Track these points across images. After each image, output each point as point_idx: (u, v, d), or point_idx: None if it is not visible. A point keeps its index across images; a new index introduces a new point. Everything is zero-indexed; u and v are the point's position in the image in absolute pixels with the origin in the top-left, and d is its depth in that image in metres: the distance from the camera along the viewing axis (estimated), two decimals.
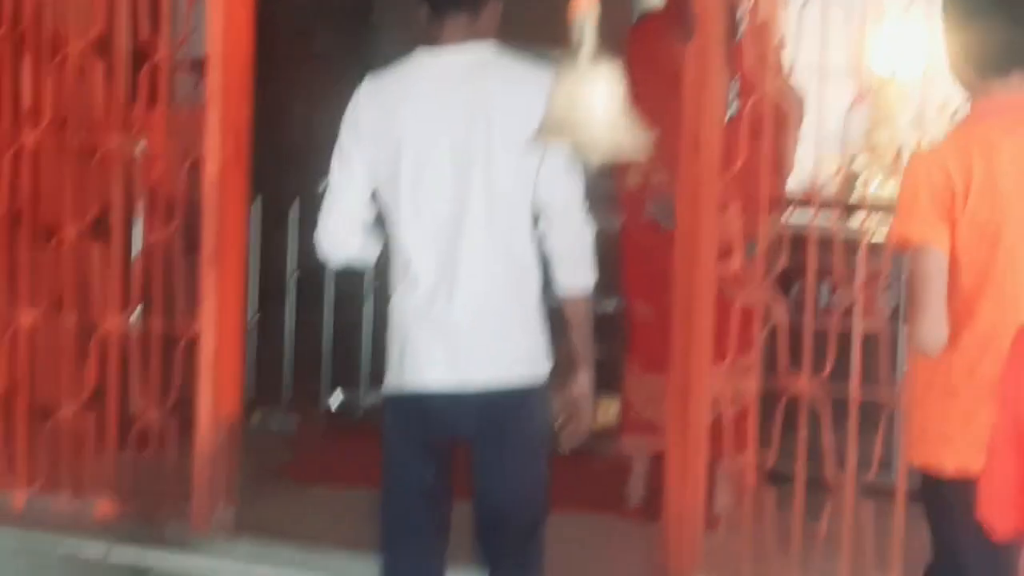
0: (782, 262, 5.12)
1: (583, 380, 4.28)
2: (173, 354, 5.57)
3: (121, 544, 5.52)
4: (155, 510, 5.61)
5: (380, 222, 4.35)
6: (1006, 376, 3.47)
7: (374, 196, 4.30)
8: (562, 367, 4.32)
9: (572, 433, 4.33)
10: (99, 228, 5.80)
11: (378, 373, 7.24)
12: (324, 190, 4.40)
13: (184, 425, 5.61)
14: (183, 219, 5.61)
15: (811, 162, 5.17)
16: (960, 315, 3.82)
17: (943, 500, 3.90)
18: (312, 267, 7.46)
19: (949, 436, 3.83)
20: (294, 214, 7.63)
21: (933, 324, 3.78)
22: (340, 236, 4.33)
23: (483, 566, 4.41)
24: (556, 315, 4.29)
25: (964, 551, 3.85)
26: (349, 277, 7.46)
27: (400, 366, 4.24)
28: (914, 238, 3.80)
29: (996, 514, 3.38)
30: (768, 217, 5.13)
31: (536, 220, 4.20)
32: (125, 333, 5.73)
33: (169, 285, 5.61)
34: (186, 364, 5.56)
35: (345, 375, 7.60)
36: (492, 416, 4.22)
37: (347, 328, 7.58)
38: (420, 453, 4.26)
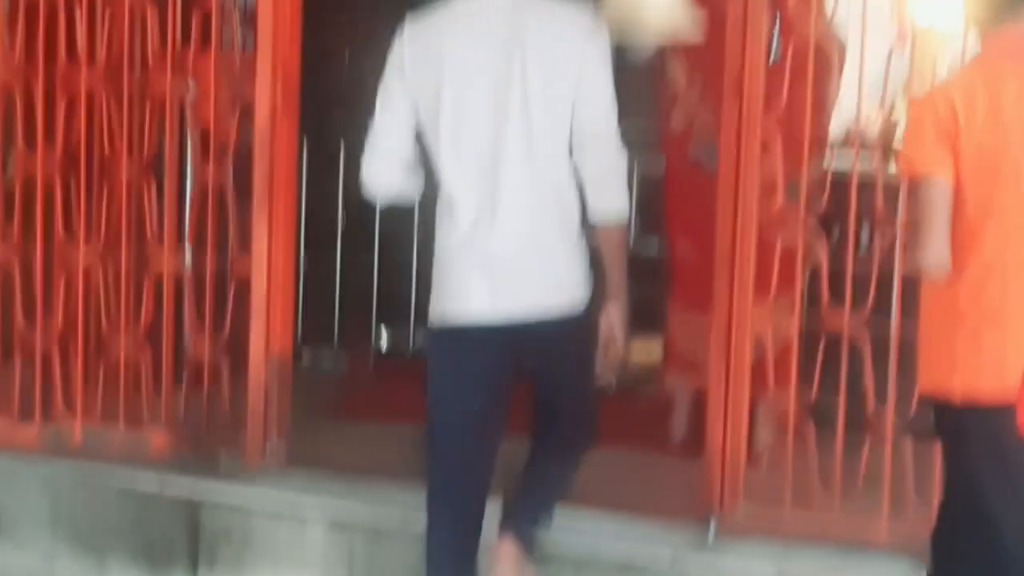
0: (823, 203, 5.12)
1: (616, 309, 4.32)
2: (226, 293, 5.60)
3: (176, 476, 5.55)
4: (209, 444, 5.64)
5: (423, 160, 4.39)
6: None
7: (417, 134, 4.34)
8: (597, 298, 4.36)
9: (607, 363, 4.35)
10: (153, 169, 5.83)
11: (425, 312, 7.40)
12: (370, 131, 4.46)
13: (237, 363, 5.63)
14: (235, 163, 5.63)
15: (852, 106, 5.15)
16: (965, 243, 3.91)
17: (954, 426, 3.97)
18: (359, 210, 7.55)
19: (956, 362, 3.92)
20: (341, 158, 7.63)
21: (936, 250, 3.88)
22: (384, 174, 4.41)
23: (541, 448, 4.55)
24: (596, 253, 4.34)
25: (979, 476, 3.94)
26: (396, 219, 7.51)
27: (444, 299, 4.29)
28: (919, 168, 3.91)
29: None
30: (810, 159, 5.11)
31: (571, 151, 4.25)
32: (179, 272, 5.77)
33: (222, 225, 5.63)
34: (239, 303, 5.58)
35: (393, 315, 7.65)
36: (538, 343, 4.28)
37: (394, 269, 7.59)
38: (467, 385, 4.31)
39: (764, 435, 5.58)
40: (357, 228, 7.66)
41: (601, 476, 5.45)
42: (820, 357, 5.00)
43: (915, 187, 3.97)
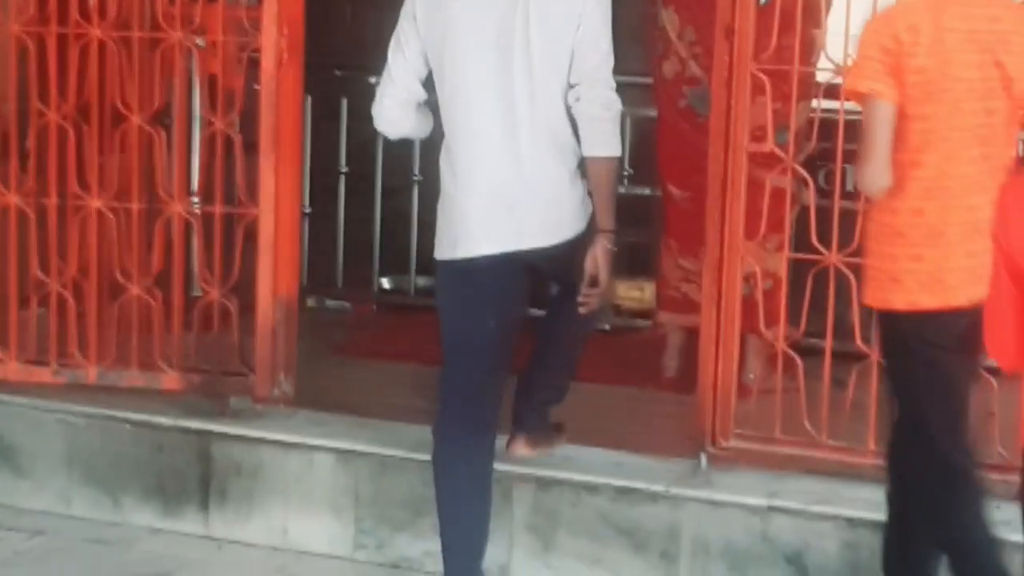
0: (812, 146, 5.17)
1: (602, 242, 4.44)
2: (234, 238, 5.62)
3: (187, 415, 5.58)
4: (219, 383, 5.67)
5: (432, 103, 4.49)
6: (997, 222, 3.63)
7: (427, 79, 4.46)
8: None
9: (593, 295, 4.45)
10: (163, 118, 5.86)
11: (424, 259, 7.44)
12: (379, 80, 4.58)
13: (245, 306, 5.66)
14: (242, 113, 5.65)
15: (840, 49, 5.19)
16: (907, 164, 4.02)
17: (896, 334, 4.11)
18: (362, 162, 7.60)
19: (898, 276, 4.06)
20: (343, 115, 7.67)
21: (878, 169, 3.99)
22: (395, 115, 4.55)
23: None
24: None
25: (916, 379, 4.10)
26: (396, 170, 7.58)
27: (452, 234, 4.40)
28: (863, 91, 4.00)
29: (997, 348, 3.51)
30: (798, 102, 5.16)
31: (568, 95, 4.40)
32: (189, 218, 5.81)
33: (230, 173, 5.66)
34: (247, 248, 5.61)
35: (394, 262, 7.68)
36: (543, 260, 4.45)
37: (395, 218, 7.63)
38: (478, 310, 4.43)
39: (754, 369, 5.67)
40: (360, 181, 7.67)
41: (597, 412, 5.57)
42: (808, 293, 5.04)
43: (864, 108, 4.05)
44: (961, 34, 4.00)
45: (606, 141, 4.43)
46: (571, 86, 4.41)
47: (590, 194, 4.48)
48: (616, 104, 4.44)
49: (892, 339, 4.18)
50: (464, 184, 4.41)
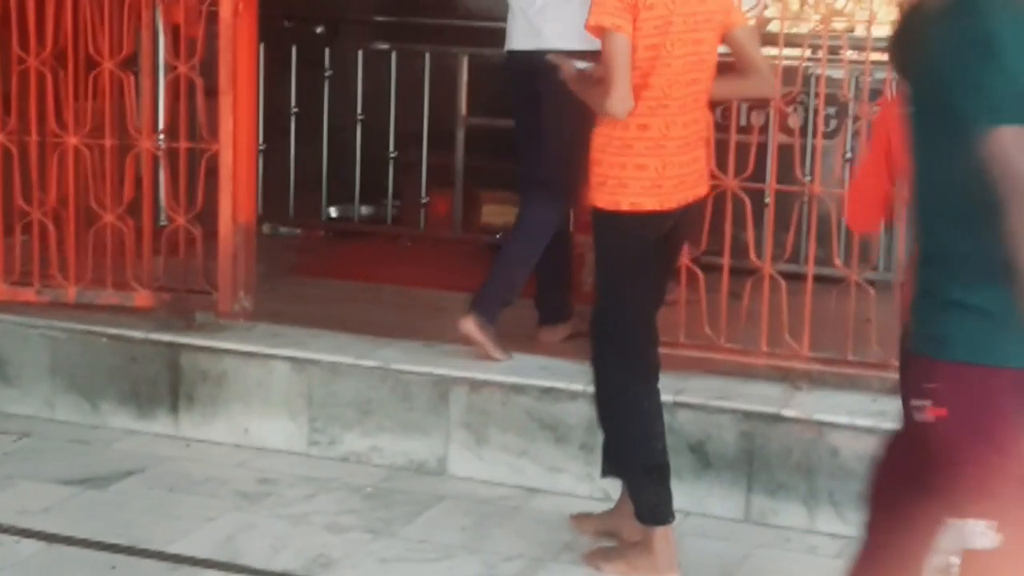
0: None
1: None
2: (198, 171, 5.60)
3: (158, 329, 5.57)
4: (186, 300, 5.67)
5: None
6: (878, 120, 3.88)
7: None
8: None
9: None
10: (131, 64, 5.83)
11: (367, 191, 7.45)
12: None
13: (208, 233, 5.65)
14: (203, 58, 5.62)
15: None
16: (637, 86, 4.17)
17: (616, 231, 4.27)
18: (310, 104, 7.54)
19: (624, 182, 4.21)
20: (293, 62, 7.61)
21: (624, 93, 4.10)
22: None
23: None
24: None
25: (624, 272, 4.31)
26: (341, 111, 7.54)
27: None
28: (607, 25, 4.10)
29: (862, 216, 3.64)
30: None
31: None
32: (156, 152, 5.80)
33: (192, 113, 5.64)
34: (209, 179, 5.58)
35: (340, 192, 7.66)
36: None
37: (341, 154, 7.58)
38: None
39: None
40: (308, 120, 7.61)
41: (529, 321, 5.57)
42: (708, 216, 5.06)
43: (604, 40, 4.11)
44: None
45: None
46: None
47: None
48: None
49: (611, 235, 4.30)
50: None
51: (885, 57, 3.68)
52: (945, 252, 2.99)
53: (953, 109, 2.88)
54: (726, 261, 5.17)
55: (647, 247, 4.30)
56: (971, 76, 2.85)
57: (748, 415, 4.86)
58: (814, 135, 5.46)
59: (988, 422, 2.94)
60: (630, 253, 4.30)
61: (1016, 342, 2.91)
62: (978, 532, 3.02)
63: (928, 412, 2.97)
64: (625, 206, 4.21)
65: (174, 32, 5.88)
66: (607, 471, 4.60)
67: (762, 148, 5.41)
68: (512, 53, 5.42)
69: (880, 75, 5.15)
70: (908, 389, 3.09)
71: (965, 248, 2.95)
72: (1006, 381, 2.94)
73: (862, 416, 4.73)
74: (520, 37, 5.38)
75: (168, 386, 5.53)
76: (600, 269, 4.39)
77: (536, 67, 5.01)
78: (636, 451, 4.38)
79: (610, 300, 4.37)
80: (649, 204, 4.22)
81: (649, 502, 4.37)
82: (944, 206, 2.99)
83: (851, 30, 5.74)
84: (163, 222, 5.99)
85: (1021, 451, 2.95)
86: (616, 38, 4.10)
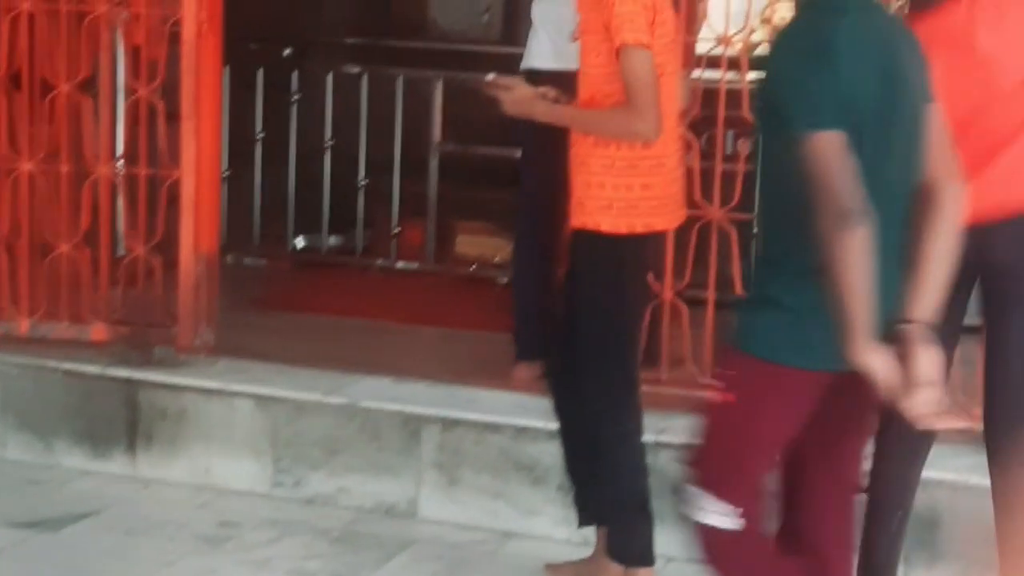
0: (695, 112, 5.16)
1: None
2: (158, 199, 5.57)
3: (115, 364, 5.52)
4: (144, 334, 5.62)
5: None
6: None
7: None
8: None
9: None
10: (89, 87, 5.80)
11: (335, 220, 7.41)
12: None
13: (168, 263, 5.62)
14: (164, 81, 5.60)
15: (720, 25, 5.23)
16: None
17: (623, 253, 4.24)
18: (276, 129, 7.53)
19: (634, 203, 4.21)
20: (259, 84, 7.60)
21: (656, 113, 4.10)
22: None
23: None
24: None
25: (622, 299, 4.29)
26: (309, 137, 7.52)
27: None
28: (645, 43, 4.09)
29: None
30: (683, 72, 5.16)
31: None
32: (114, 179, 5.76)
33: (153, 138, 5.61)
34: (170, 209, 5.56)
35: (307, 222, 7.63)
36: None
37: (308, 181, 7.56)
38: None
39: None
40: (275, 146, 7.60)
41: (502, 357, 5.53)
42: (692, 247, 5.09)
43: (640, 58, 4.08)
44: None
45: None
46: None
47: None
48: None
49: (616, 260, 4.26)
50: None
51: None
52: (771, 251, 3.26)
53: (780, 112, 3.10)
54: (711, 295, 5.16)
55: (646, 271, 4.40)
56: (802, 79, 3.08)
57: None
58: None
59: (763, 419, 3.24)
60: (635, 278, 4.33)
61: (819, 345, 3.10)
62: (715, 510, 3.31)
63: (719, 394, 3.28)
64: (639, 228, 4.22)
65: (134, 53, 5.86)
66: (585, 520, 4.58)
67: (749, 177, 5.38)
68: (531, 72, 5.21)
69: None
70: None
71: (786, 248, 3.18)
72: (798, 382, 3.19)
73: None
74: (543, 56, 5.28)
75: (125, 424, 5.48)
76: (598, 296, 4.30)
77: (557, 88, 4.88)
78: (628, 489, 4.38)
79: (609, 331, 4.30)
80: (660, 224, 4.28)
81: (637, 543, 4.37)
82: (773, 207, 3.26)
83: None
84: (121, 252, 5.96)
85: (771, 460, 3.32)
86: (647, 57, 4.09)
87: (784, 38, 3.27)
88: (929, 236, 3.19)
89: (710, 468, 3.33)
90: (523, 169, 5.34)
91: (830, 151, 3.02)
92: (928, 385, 3.05)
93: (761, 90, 3.26)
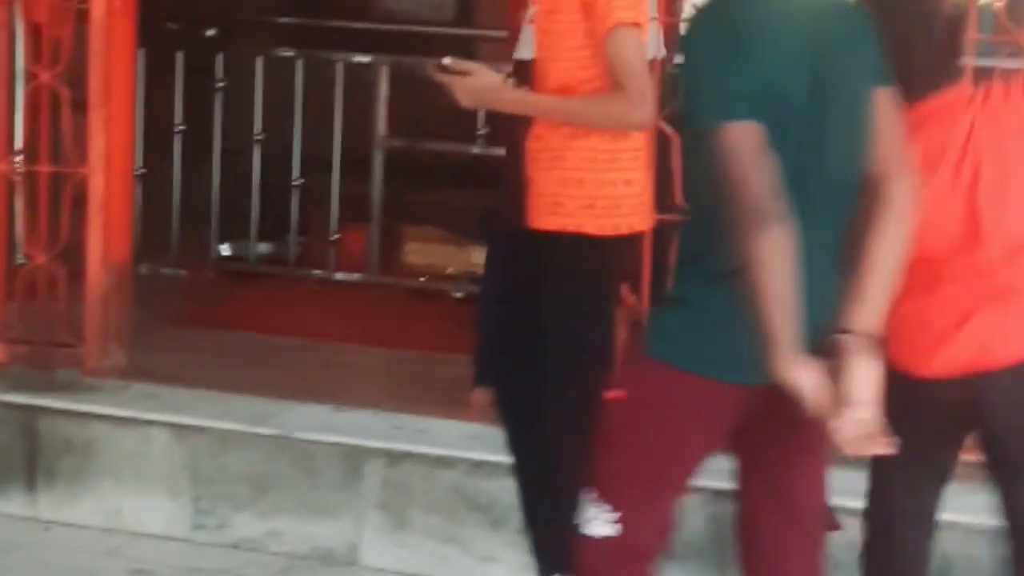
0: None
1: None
2: (62, 200, 5.41)
3: (11, 389, 5.37)
4: (46, 354, 5.47)
5: None
6: None
7: None
8: None
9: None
10: None
11: (266, 225, 7.33)
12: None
13: (73, 274, 5.45)
14: (70, 65, 5.42)
15: None
16: None
17: (598, 259, 4.14)
18: (199, 121, 7.44)
19: (617, 202, 4.12)
20: (179, 70, 7.48)
21: (651, 105, 4.05)
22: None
23: None
24: None
25: (602, 308, 4.21)
26: (237, 129, 7.43)
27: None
28: (641, 23, 4.02)
29: None
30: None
31: None
32: (11, 177, 5.56)
33: (56, 129, 5.45)
34: (75, 212, 5.40)
35: (233, 227, 7.51)
36: None
37: (235, 180, 7.43)
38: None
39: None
40: (197, 139, 7.45)
41: (455, 382, 5.32)
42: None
43: (633, 39, 3.99)
44: None
45: None
46: None
47: None
48: None
49: (596, 266, 4.18)
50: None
51: None
52: (688, 250, 3.25)
53: (693, 103, 3.09)
54: None
55: (624, 280, 4.36)
56: (711, 65, 3.03)
57: (718, 494, 4.55)
58: None
59: (657, 425, 3.22)
60: (615, 288, 4.27)
61: (732, 355, 3.07)
62: (594, 518, 3.30)
63: (612, 390, 3.28)
64: (624, 229, 4.13)
65: (35, 33, 5.63)
66: (546, 569, 4.44)
67: None
68: (522, 63, 5.03)
69: None
70: None
71: (702, 248, 3.15)
72: (703, 391, 3.15)
73: (852, 497, 4.32)
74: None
75: (24, 457, 5.33)
76: (577, 308, 4.20)
77: None
78: None
79: (586, 350, 4.17)
80: (641, 224, 4.20)
81: None
82: (691, 204, 3.26)
83: None
84: (20, 260, 5.80)
85: (672, 478, 3.34)
86: (640, 37, 4.01)
87: (699, 19, 3.25)
88: (873, 235, 3.11)
89: (596, 467, 3.35)
90: (506, 171, 5.14)
91: (742, 144, 2.96)
92: (861, 404, 2.96)
93: (679, 77, 3.28)
